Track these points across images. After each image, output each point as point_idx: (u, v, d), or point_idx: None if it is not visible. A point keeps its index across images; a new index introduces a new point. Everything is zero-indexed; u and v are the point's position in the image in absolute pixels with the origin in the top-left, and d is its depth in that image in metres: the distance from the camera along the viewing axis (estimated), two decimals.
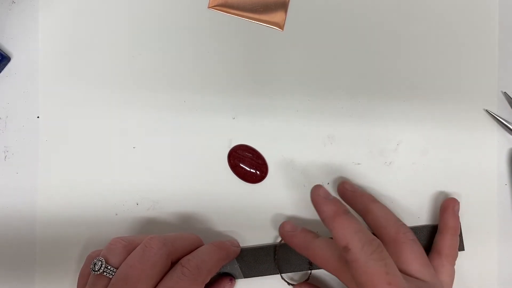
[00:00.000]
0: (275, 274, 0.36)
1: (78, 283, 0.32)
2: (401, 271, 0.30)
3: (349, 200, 0.35)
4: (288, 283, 0.36)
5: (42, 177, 0.37)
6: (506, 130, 0.38)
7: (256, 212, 0.37)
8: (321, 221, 0.30)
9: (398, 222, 0.32)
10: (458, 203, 0.36)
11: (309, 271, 0.36)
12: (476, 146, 0.38)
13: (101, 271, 0.29)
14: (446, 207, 0.35)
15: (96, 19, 0.38)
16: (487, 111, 0.38)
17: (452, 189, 0.38)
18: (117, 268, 0.29)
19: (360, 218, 0.34)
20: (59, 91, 0.37)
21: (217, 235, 0.37)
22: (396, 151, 0.38)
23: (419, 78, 0.38)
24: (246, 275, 0.36)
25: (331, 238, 0.30)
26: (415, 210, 0.37)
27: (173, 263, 0.31)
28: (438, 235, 0.35)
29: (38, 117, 0.37)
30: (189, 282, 0.29)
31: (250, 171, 0.37)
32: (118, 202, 0.37)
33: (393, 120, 0.38)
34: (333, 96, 0.38)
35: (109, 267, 0.29)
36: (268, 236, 0.37)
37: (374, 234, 0.31)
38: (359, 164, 0.38)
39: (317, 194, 0.31)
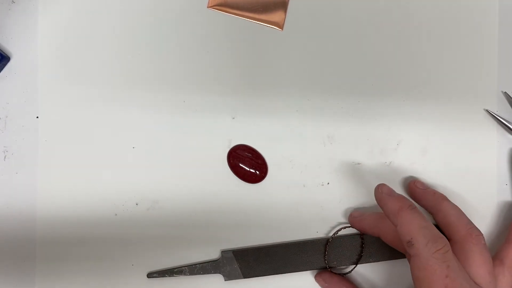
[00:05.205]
0: (275, 274, 0.36)
1: None
2: None
3: (419, 198, 0.35)
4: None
5: (42, 177, 0.37)
6: (506, 130, 0.38)
7: (256, 212, 0.37)
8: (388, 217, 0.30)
9: (470, 223, 0.32)
10: None
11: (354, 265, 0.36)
12: (476, 146, 0.38)
13: None
14: None
15: (95, 19, 0.38)
16: (487, 111, 0.38)
17: (452, 189, 0.38)
18: None
19: (429, 216, 0.33)
20: (59, 91, 0.37)
21: (216, 234, 0.37)
22: (396, 151, 0.38)
23: (419, 78, 0.38)
24: (246, 275, 0.36)
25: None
26: None
27: None
28: (505, 243, 0.35)
29: (37, 117, 0.37)
30: None
31: (249, 171, 0.37)
32: (117, 202, 0.37)
33: (393, 120, 0.38)
34: (333, 96, 0.38)
35: None
36: (268, 236, 0.37)
37: (443, 233, 0.30)
38: (359, 164, 0.38)
39: (380, 192, 0.32)
